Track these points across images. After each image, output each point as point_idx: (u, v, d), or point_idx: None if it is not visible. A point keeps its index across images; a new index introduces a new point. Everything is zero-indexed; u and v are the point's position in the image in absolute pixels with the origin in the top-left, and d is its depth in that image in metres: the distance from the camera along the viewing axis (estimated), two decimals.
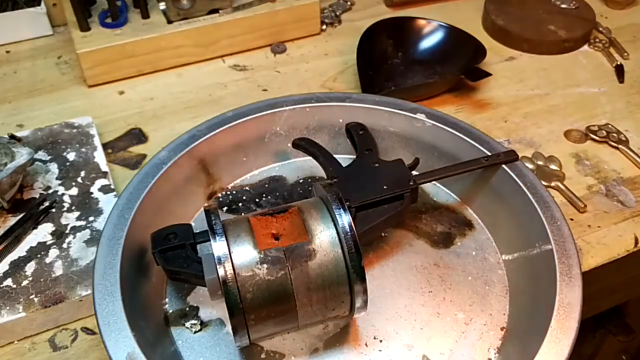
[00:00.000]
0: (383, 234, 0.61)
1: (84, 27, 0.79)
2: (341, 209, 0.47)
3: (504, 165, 0.58)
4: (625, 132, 0.73)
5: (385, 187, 0.55)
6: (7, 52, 0.86)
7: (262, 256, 0.45)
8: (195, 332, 0.53)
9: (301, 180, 0.66)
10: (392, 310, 0.54)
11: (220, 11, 0.82)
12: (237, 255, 0.45)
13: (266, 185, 0.65)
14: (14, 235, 0.57)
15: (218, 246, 0.45)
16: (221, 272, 0.44)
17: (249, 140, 0.65)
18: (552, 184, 0.67)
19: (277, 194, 0.65)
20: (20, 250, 0.57)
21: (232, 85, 0.81)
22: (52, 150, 0.66)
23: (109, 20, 0.81)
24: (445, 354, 0.52)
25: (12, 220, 0.58)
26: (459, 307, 0.55)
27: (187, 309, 0.54)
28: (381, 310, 0.54)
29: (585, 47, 0.88)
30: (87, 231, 0.58)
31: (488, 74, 0.76)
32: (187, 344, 0.52)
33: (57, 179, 0.63)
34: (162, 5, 0.82)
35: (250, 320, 0.45)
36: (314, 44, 0.89)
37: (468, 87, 0.80)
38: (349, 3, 0.97)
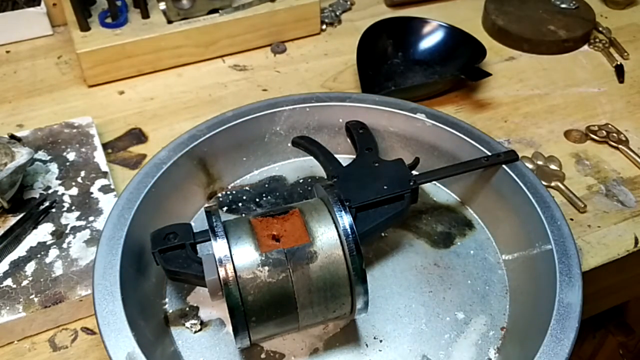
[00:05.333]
0: (383, 234, 0.61)
1: (84, 27, 0.79)
2: (342, 211, 0.47)
3: (504, 165, 0.58)
4: (625, 132, 0.73)
5: (385, 187, 0.55)
6: (7, 52, 0.86)
7: (263, 258, 0.45)
8: (195, 332, 0.53)
9: (301, 180, 0.66)
10: (392, 310, 0.55)
11: (220, 11, 0.82)
12: (239, 257, 0.45)
13: (266, 185, 0.65)
14: (14, 235, 0.57)
15: (219, 248, 0.45)
16: (222, 274, 0.44)
17: (249, 140, 0.65)
18: (552, 184, 0.67)
19: (277, 194, 0.65)
20: (20, 250, 0.57)
21: (232, 85, 0.81)
22: (52, 150, 0.66)
23: (109, 20, 0.81)
24: (445, 354, 0.52)
25: (12, 220, 0.58)
26: (459, 307, 0.55)
27: (187, 309, 0.54)
28: (381, 310, 0.54)
29: (585, 47, 0.88)
30: (87, 231, 0.58)
31: (488, 74, 0.76)
32: (187, 344, 0.52)
33: (57, 179, 0.63)
34: (162, 5, 0.82)
35: (251, 322, 0.45)
36: (314, 44, 0.89)
37: (468, 87, 0.80)
38: (349, 3, 0.97)
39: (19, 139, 0.63)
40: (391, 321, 0.54)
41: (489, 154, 0.59)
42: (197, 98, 0.79)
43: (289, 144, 0.65)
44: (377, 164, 0.58)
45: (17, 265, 0.55)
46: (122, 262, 0.50)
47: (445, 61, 0.83)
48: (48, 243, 0.57)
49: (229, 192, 0.65)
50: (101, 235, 0.52)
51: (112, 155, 0.70)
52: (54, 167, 0.65)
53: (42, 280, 0.54)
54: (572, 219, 0.64)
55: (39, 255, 0.56)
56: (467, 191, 0.63)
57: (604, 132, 0.73)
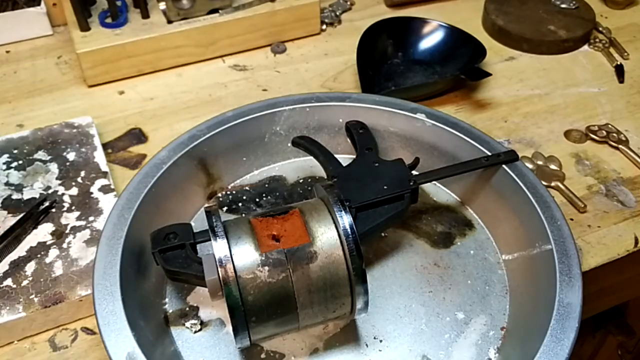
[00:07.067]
0: (383, 234, 0.61)
1: (84, 27, 0.79)
2: (342, 211, 0.47)
3: (504, 165, 0.58)
4: (625, 132, 0.73)
5: (385, 187, 0.55)
6: (7, 52, 0.86)
7: (263, 258, 0.45)
8: (195, 332, 0.53)
9: (301, 180, 0.66)
10: (392, 310, 0.55)
11: (220, 11, 0.82)
12: (239, 257, 0.45)
13: (266, 185, 0.65)
14: (14, 235, 0.57)
15: (219, 248, 0.45)
16: (222, 274, 0.44)
17: (249, 140, 0.65)
18: (552, 184, 0.67)
19: (277, 194, 0.65)
20: (20, 250, 0.57)
21: (232, 85, 0.81)
22: (52, 150, 0.66)
23: (109, 20, 0.81)
24: (445, 354, 0.52)
25: (12, 220, 0.58)
26: (459, 307, 0.55)
27: (187, 309, 0.54)
28: (381, 310, 0.54)
29: (585, 47, 0.88)
30: (87, 231, 0.58)
31: (488, 74, 0.76)
32: (187, 344, 0.52)
33: (57, 179, 0.63)
34: (162, 5, 0.82)
35: (252, 322, 0.45)
36: (314, 44, 0.89)
37: (468, 87, 0.80)
38: (349, 3, 0.97)
39: None
40: (391, 321, 0.54)
41: (489, 154, 0.59)
42: (197, 98, 0.79)
43: (289, 144, 0.65)
44: (377, 164, 0.58)
45: (17, 265, 0.55)
46: (122, 262, 0.50)
47: (445, 61, 0.83)
48: (48, 243, 0.57)
49: (229, 192, 0.65)
50: (101, 235, 0.52)
51: (112, 155, 0.70)
52: (54, 167, 0.65)
53: (42, 280, 0.54)
54: (572, 219, 0.64)
55: (39, 255, 0.56)
56: (467, 191, 0.63)
57: (604, 132, 0.73)
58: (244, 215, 0.62)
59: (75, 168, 0.65)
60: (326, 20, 0.92)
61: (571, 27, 0.87)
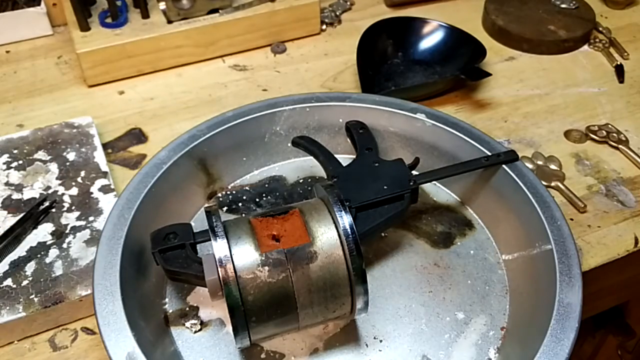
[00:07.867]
0: (383, 234, 0.61)
1: (84, 27, 0.79)
2: (342, 211, 0.47)
3: (504, 165, 0.58)
4: (625, 132, 0.73)
5: (385, 187, 0.55)
6: (7, 52, 0.86)
7: (263, 258, 0.45)
8: (195, 332, 0.53)
9: (301, 180, 0.66)
10: (392, 310, 0.55)
11: (220, 11, 0.82)
12: (239, 257, 0.45)
13: (266, 185, 0.65)
14: (14, 235, 0.57)
15: (219, 248, 0.45)
16: (222, 274, 0.44)
17: (249, 140, 0.65)
18: (552, 184, 0.67)
19: (277, 194, 0.65)
20: (20, 250, 0.57)
21: (232, 85, 0.81)
22: (52, 150, 0.66)
23: (109, 20, 0.81)
24: (445, 354, 0.52)
25: (12, 220, 0.58)
26: (459, 307, 0.55)
27: (187, 309, 0.54)
28: (381, 310, 0.54)
29: (585, 47, 0.88)
30: (87, 231, 0.58)
31: (488, 74, 0.76)
32: (187, 344, 0.52)
33: (57, 179, 0.63)
34: (162, 5, 0.82)
35: (252, 322, 0.45)
36: (314, 44, 0.89)
37: (468, 87, 0.80)
38: (349, 3, 0.97)
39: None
40: (391, 321, 0.54)
41: (489, 154, 0.59)
42: (197, 98, 0.79)
43: (289, 144, 0.65)
44: (377, 164, 0.58)
45: (17, 265, 0.55)
46: (122, 262, 0.50)
47: (445, 61, 0.83)
48: (48, 243, 0.57)
49: (229, 192, 0.65)
50: (101, 235, 0.52)
51: (112, 155, 0.70)
52: (54, 167, 0.65)
53: (42, 280, 0.54)
54: (572, 219, 0.64)
55: (39, 255, 0.56)
56: (467, 191, 0.63)
57: (604, 132, 0.73)
58: (244, 215, 0.62)
59: (75, 168, 0.65)
60: (326, 20, 0.92)
61: (571, 27, 0.87)
